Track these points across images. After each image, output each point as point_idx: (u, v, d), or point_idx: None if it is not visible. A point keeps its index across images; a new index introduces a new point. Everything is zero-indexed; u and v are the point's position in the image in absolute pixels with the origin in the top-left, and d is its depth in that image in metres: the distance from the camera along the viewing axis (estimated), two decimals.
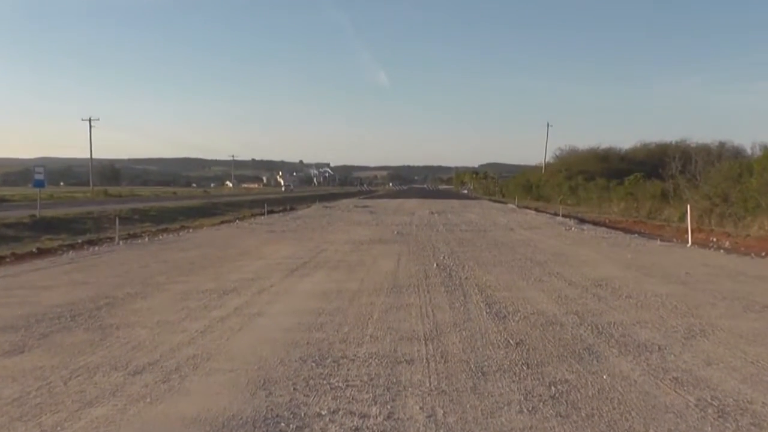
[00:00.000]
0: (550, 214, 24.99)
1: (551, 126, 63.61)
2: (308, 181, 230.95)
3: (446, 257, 9.91)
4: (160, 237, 14.17)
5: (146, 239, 13.51)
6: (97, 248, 11.63)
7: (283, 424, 2.98)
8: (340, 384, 3.60)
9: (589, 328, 5.04)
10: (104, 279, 7.63)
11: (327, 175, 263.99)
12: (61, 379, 3.69)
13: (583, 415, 3.12)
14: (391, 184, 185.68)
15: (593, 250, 11.24)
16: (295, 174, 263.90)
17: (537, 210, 29.11)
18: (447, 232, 15.11)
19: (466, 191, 70.95)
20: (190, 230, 16.38)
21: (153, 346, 4.48)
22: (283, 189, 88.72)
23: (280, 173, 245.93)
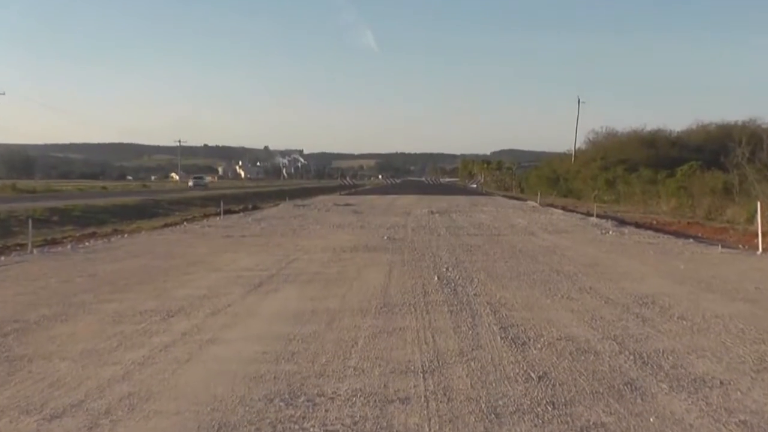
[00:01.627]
0: (582, 213, 25.14)
1: (583, 102, 63.59)
2: (275, 172, 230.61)
3: (450, 268, 9.93)
4: (87, 244, 14.07)
5: (68, 247, 13.41)
6: (2, 258, 11.52)
7: None
8: (316, 430, 3.58)
9: (632, 357, 5.06)
10: (12, 298, 7.55)
11: (299, 164, 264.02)
12: None
13: None
14: (380, 177, 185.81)
15: (636, 259, 11.31)
16: (259, 164, 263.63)
17: (565, 209, 29.26)
18: (451, 237, 15.15)
19: (474, 185, 71.18)
20: (125, 235, 16.29)
21: (76, 382, 4.43)
22: (191, 185, 71.56)
23: (240, 163, 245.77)
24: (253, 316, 6.57)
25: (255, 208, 29.54)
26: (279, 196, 45.01)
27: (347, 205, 30.90)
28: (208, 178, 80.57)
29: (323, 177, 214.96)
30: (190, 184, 72.23)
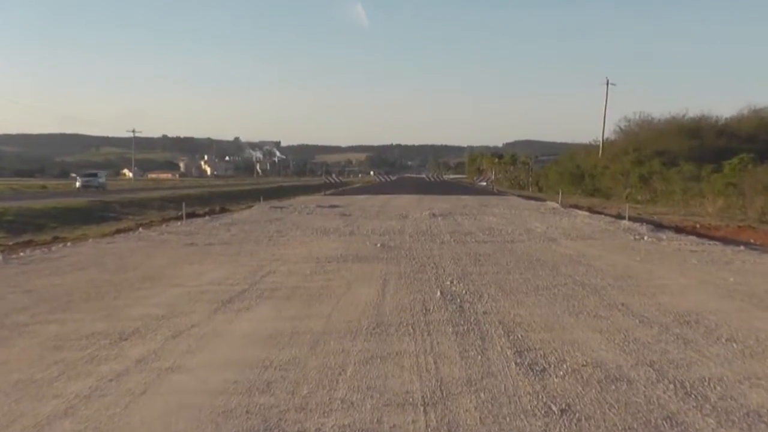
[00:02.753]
0: (611, 216, 25.17)
1: (613, 85, 63.50)
2: (247, 168, 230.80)
3: (455, 282, 9.93)
4: (22, 254, 14.00)
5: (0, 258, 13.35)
6: None
7: None
8: None
9: (671, 386, 5.07)
10: None
11: (276, 159, 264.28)
12: None
13: None
14: (372, 173, 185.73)
15: (677, 270, 11.34)
16: (228, 158, 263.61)
17: (591, 210, 29.31)
18: (456, 244, 15.17)
19: (484, 183, 70.96)
20: (68, 244, 16.22)
21: (8, 419, 4.41)
22: (78, 185, 60.13)
23: (205, 157, 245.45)
24: (222, 339, 6.56)
25: (223, 210, 29.47)
26: (252, 196, 45.01)
27: (333, 206, 30.86)
28: (103, 177, 65.50)
29: (304, 173, 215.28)
30: (78, 184, 60.48)
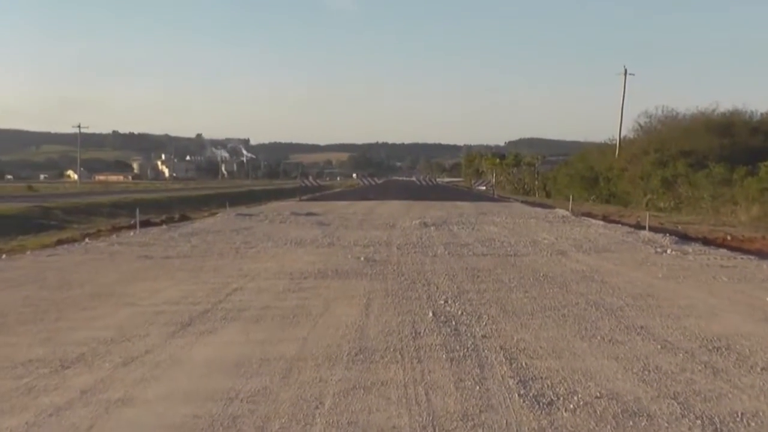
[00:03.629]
0: (630, 226, 25.24)
1: (631, 75, 63.37)
2: (211, 169, 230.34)
3: (450, 301, 9.94)
4: None
5: None
6: None
7: None
8: None
9: (699, 422, 5.08)
10: None
11: (244, 159, 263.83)
12: None
13: None
14: (355, 176, 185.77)
15: (705, 288, 11.38)
16: (189, 158, 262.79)
17: (606, 219, 29.40)
18: (451, 258, 15.19)
19: (483, 187, 70.83)
20: (3, 256, 16.12)
21: None
22: None
23: (163, 156, 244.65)
24: (181, 367, 6.53)
25: (184, 218, 29.33)
26: (216, 201, 44.80)
27: (310, 214, 30.82)
28: None
29: (277, 176, 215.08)
30: None
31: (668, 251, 16.67)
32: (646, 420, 5.10)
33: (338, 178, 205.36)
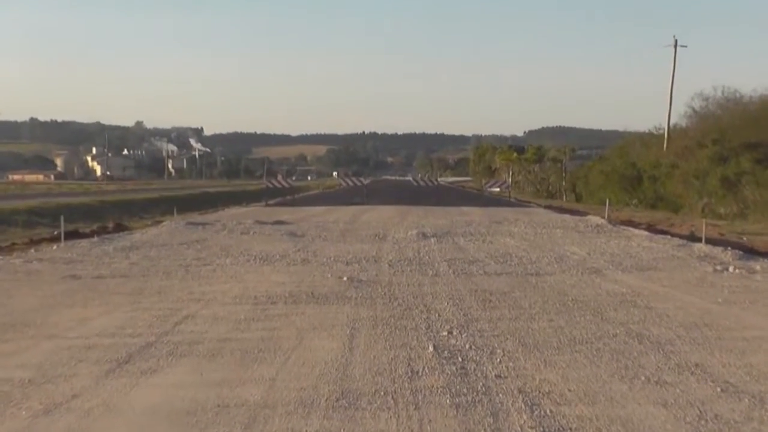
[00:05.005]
0: (682, 237, 25.24)
1: (683, 47, 63.07)
2: (156, 166, 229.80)
3: (455, 332, 9.96)
4: None
5: None
6: None
7: None
8: None
9: None
10: None
11: (196, 153, 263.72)
12: None
13: None
14: (336, 174, 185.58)
15: None
16: (127, 152, 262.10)
17: (652, 229, 29.36)
18: (457, 278, 15.20)
19: (497, 188, 70.56)
20: None
21: None
22: None
23: (94, 150, 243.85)
24: (116, 416, 6.51)
25: (120, 228, 29.20)
26: (162, 206, 44.74)
27: (279, 223, 30.76)
28: None
29: (237, 174, 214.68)
30: None
31: (730, 269, 16.67)
32: None
33: (309, 177, 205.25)
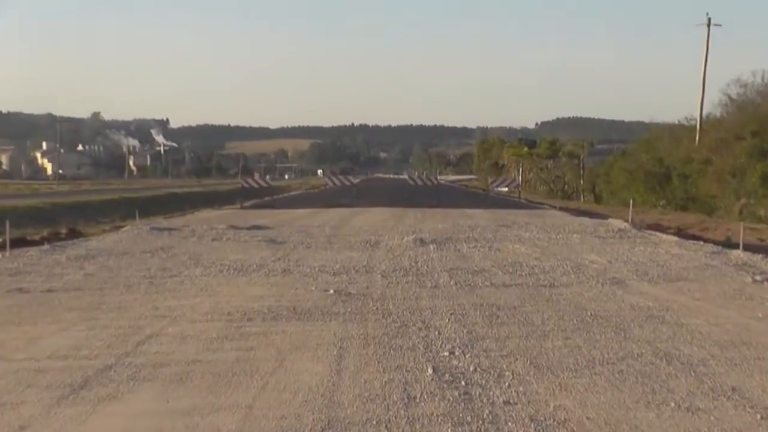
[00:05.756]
0: (716, 243, 25.25)
1: (717, 26, 62.92)
2: (115, 163, 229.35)
3: (458, 351, 9.97)
4: None
5: None
6: None
7: None
8: None
9: None
10: None
11: (162, 149, 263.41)
12: None
13: None
14: (321, 172, 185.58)
15: None
16: (83, 147, 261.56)
17: (682, 233, 29.42)
18: (460, 290, 15.21)
19: (505, 188, 70.18)
20: None
21: None
22: None
23: (44, 146, 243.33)
24: None
25: (74, 234, 29.16)
26: (122, 209, 44.66)
27: (256, 228, 30.73)
28: None
29: (208, 173, 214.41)
30: None
31: None
32: None
33: (286, 176, 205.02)
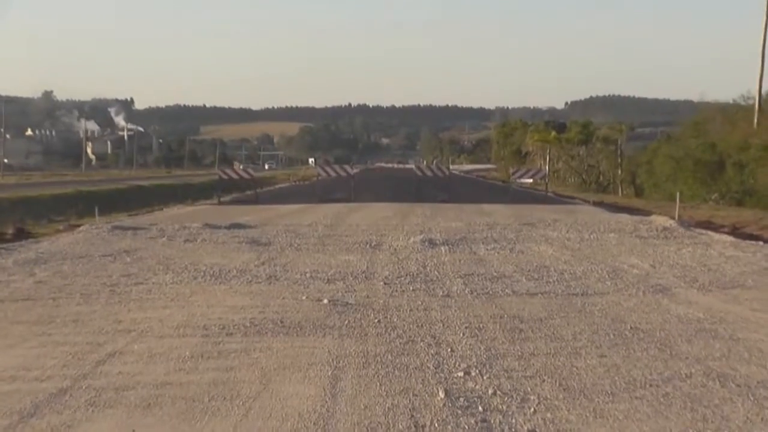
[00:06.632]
0: None
1: None
2: (71, 150, 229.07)
3: (474, 372, 9.99)
4: None
5: None
6: None
7: None
8: None
9: None
10: None
11: (126, 134, 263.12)
12: None
13: None
14: (313, 161, 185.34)
15: None
16: (33, 132, 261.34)
17: (737, 232, 29.37)
18: (477, 300, 15.22)
19: (529, 179, 69.65)
20: None
21: None
22: None
23: None
24: None
25: (23, 234, 29.16)
26: (79, 205, 44.64)
27: (237, 227, 30.76)
28: None
29: (180, 162, 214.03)
30: None
31: None
32: None
33: (267, 166, 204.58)
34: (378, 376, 9.78)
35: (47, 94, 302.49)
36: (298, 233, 28.33)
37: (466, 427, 7.84)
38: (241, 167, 67.29)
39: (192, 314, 13.76)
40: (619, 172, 72.83)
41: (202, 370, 10.13)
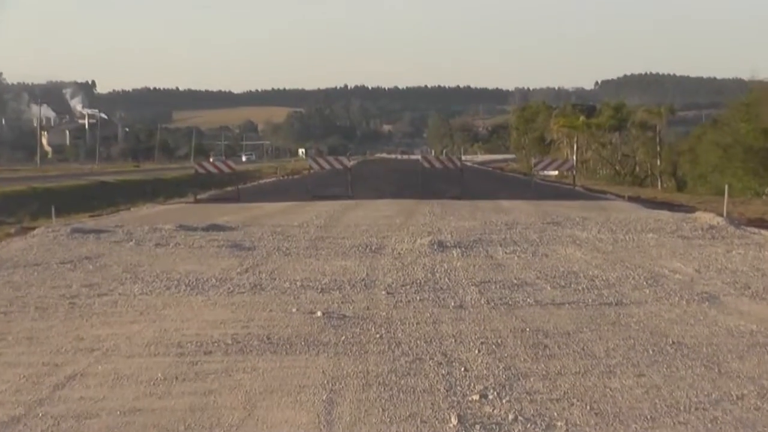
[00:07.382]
0: None
1: None
2: (23, 141, 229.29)
3: (492, 394, 9.99)
4: None
5: None
6: None
7: None
8: None
9: None
10: None
11: (87, 121, 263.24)
12: None
13: None
14: (303, 152, 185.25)
15: None
16: None
17: None
18: (494, 311, 15.23)
19: (554, 170, 69.71)
20: None
21: None
22: None
23: None
24: None
25: None
26: (32, 205, 44.72)
27: (216, 228, 30.76)
28: None
29: (150, 154, 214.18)
30: None
31: None
32: None
33: (244, 158, 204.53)
34: (380, 401, 9.78)
35: None
36: (286, 235, 28.36)
37: None
38: (216, 160, 66.95)
39: (164, 330, 13.75)
40: (658, 162, 72.85)
41: (177, 394, 10.12)
